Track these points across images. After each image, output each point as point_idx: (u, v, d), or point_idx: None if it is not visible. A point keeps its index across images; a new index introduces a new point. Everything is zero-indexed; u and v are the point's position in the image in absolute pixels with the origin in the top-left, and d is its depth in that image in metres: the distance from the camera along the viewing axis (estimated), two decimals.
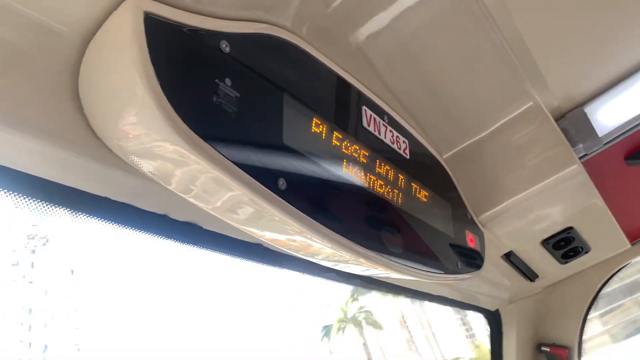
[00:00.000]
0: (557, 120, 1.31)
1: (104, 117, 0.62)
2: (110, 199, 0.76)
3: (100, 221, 0.76)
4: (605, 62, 1.26)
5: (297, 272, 1.26)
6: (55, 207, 0.70)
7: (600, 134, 1.33)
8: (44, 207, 0.69)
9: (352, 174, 0.86)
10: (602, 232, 1.76)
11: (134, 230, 0.84)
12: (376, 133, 0.98)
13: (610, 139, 1.35)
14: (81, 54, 0.61)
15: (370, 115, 0.98)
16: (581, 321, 2.17)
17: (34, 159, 0.65)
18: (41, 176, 0.67)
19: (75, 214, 0.73)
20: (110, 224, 0.78)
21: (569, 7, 1.09)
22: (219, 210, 0.71)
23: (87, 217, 0.74)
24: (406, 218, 1.01)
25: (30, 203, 0.68)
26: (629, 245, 1.91)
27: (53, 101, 0.62)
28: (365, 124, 0.96)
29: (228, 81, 0.64)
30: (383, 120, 1.02)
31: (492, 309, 2.21)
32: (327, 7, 0.86)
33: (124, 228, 0.81)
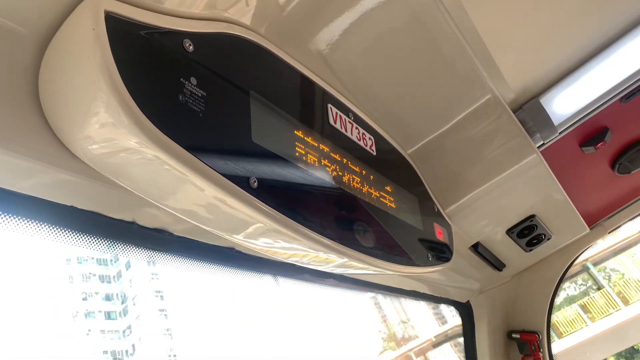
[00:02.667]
0: (514, 111, 1.34)
1: (67, 120, 0.60)
2: (76, 207, 0.73)
3: (66, 232, 0.74)
4: (557, 53, 1.31)
5: (271, 275, 1.25)
6: (19, 219, 0.68)
7: (556, 123, 1.38)
8: (5, 219, 0.66)
9: (321, 171, 0.87)
10: (562, 218, 1.81)
11: (101, 240, 0.81)
12: (343, 130, 0.99)
13: (566, 127, 1.40)
14: (40, 55, 0.59)
15: (336, 113, 0.99)
16: (548, 306, 2.23)
17: None
18: (1, 186, 0.64)
19: (40, 225, 0.70)
20: (77, 234, 0.76)
21: (520, 2, 1.13)
22: (190, 213, 0.70)
23: (52, 227, 0.71)
24: (376, 213, 1.02)
25: None
26: (587, 230, 1.98)
27: (11, 106, 0.60)
28: (331, 121, 0.96)
29: (193, 80, 0.64)
30: (349, 117, 1.03)
31: (463, 300, 2.25)
32: (282, 11, 0.86)
33: (91, 238, 0.79)
